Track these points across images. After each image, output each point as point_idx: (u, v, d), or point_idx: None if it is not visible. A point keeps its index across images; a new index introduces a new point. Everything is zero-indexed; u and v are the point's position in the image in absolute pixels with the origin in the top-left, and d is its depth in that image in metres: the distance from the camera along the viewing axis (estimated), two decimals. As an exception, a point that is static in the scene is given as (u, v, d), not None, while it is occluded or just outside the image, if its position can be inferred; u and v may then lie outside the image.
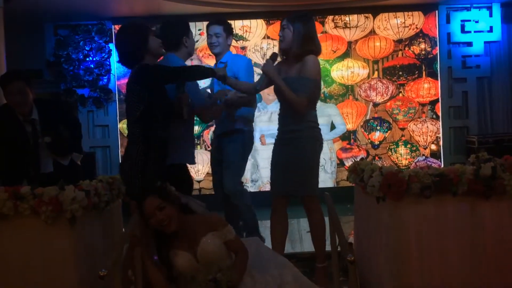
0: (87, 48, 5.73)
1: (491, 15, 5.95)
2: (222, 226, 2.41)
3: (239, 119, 3.49)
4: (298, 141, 3.00)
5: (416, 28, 5.97)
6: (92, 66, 5.74)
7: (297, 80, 2.94)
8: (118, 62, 3.05)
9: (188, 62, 3.67)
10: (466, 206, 2.66)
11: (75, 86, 5.77)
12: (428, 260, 2.64)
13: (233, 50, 4.38)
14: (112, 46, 5.77)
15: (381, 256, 2.82)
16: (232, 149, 3.48)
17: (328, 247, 2.95)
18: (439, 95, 6.03)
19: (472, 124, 6.04)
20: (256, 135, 5.31)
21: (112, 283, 2.16)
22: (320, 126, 3.12)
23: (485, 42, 5.97)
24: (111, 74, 5.78)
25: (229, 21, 3.62)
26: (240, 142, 3.50)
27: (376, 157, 6.00)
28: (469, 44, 5.99)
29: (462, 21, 5.97)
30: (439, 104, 6.03)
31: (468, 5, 5.95)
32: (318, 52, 3.03)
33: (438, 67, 5.98)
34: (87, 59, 5.75)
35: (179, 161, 3.14)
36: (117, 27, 5.55)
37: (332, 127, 5.96)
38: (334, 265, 2.60)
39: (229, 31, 3.53)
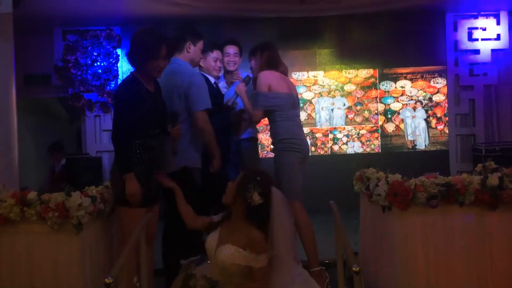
0: (95, 53, 5.76)
1: (498, 23, 5.93)
2: (254, 252, 2.27)
3: (255, 128, 3.94)
4: (274, 150, 3.38)
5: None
6: (99, 71, 5.77)
7: (254, 95, 3.39)
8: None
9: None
10: (473, 216, 2.64)
11: (82, 91, 5.79)
12: (435, 271, 2.63)
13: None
14: (119, 51, 5.82)
15: (387, 265, 2.81)
16: (255, 153, 3.98)
17: (333, 255, 2.94)
18: (447, 102, 6.02)
19: (479, 132, 6.01)
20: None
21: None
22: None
23: (492, 50, 5.95)
24: (119, 79, 5.81)
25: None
26: (257, 148, 4.03)
27: None
28: (476, 52, 5.97)
29: (469, 29, 5.96)
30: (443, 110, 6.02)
31: (475, 13, 5.94)
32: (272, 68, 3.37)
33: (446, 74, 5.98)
34: (95, 64, 5.78)
35: (185, 164, 3.15)
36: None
37: None
38: (340, 275, 2.59)
39: (241, 52, 3.96)
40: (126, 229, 2.68)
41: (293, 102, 3.38)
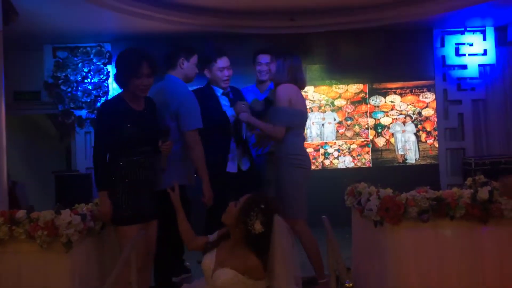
0: (85, 70, 5.75)
1: (485, 39, 6.04)
2: (253, 278, 2.23)
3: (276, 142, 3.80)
4: (278, 166, 3.29)
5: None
6: (90, 87, 5.75)
7: (272, 110, 3.32)
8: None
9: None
10: (464, 230, 2.66)
11: (72, 108, 5.77)
12: (427, 285, 2.63)
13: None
14: (110, 68, 5.81)
15: (380, 280, 2.81)
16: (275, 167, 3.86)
17: (326, 270, 2.93)
18: (436, 116, 6.08)
19: (468, 145, 6.07)
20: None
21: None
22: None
23: (479, 65, 6.04)
24: (109, 96, 5.79)
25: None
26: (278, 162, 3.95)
27: None
28: (464, 67, 6.06)
29: (456, 44, 6.05)
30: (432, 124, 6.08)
31: (462, 29, 6.04)
32: (292, 82, 3.28)
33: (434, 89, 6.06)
34: (85, 80, 5.76)
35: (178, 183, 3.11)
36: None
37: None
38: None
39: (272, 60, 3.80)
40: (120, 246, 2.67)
41: (305, 119, 3.42)
